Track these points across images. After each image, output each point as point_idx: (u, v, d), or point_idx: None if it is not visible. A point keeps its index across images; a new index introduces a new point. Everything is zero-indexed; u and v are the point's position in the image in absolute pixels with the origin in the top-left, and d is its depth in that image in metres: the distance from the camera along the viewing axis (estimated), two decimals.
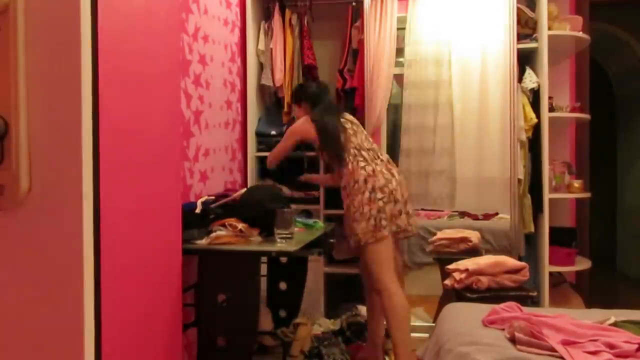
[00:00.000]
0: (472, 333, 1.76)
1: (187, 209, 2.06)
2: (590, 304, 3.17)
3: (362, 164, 2.47)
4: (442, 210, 3.40)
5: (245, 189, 2.46)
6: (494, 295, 2.39)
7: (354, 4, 3.33)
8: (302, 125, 2.67)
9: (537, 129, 3.10)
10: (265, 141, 3.35)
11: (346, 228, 2.50)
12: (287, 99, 3.34)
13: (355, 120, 2.70)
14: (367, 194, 2.40)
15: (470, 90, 3.33)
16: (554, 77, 3.31)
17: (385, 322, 2.47)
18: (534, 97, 3.12)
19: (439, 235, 3.16)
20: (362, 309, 3.01)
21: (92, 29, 0.92)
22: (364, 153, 2.52)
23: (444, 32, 3.33)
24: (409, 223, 2.46)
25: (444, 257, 2.96)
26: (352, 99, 3.33)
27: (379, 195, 2.41)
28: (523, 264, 2.55)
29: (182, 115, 2.39)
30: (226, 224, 2.17)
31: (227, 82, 3.03)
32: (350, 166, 2.49)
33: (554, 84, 3.30)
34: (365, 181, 2.42)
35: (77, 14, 0.90)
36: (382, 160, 2.52)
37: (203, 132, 2.64)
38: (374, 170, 2.45)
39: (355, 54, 3.33)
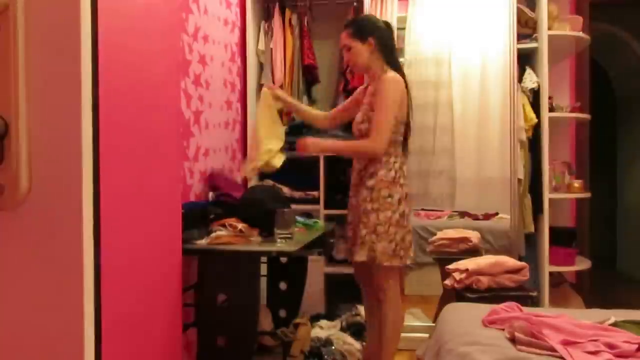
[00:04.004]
0: (472, 333, 1.76)
1: (187, 209, 2.06)
2: (590, 304, 3.17)
3: (402, 181, 2.27)
4: (442, 210, 3.40)
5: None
6: (494, 295, 2.39)
7: (355, 4, 3.33)
8: (401, 89, 2.23)
9: (537, 129, 3.10)
10: None
11: (356, 231, 2.30)
12: None
13: None
14: (397, 216, 2.23)
15: (470, 90, 3.33)
16: (554, 77, 3.32)
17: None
18: (534, 97, 3.12)
19: (439, 235, 3.16)
20: (362, 309, 3.01)
21: (92, 29, 0.92)
22: (404, 168, 2.32)
23: (444, 32, 3.33)
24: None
25: (444, 257, 2.96)
26: None
27: (405, 222, 2.26)
28: (523, 264, 2.55)
29: (182, 115, 2.39)
30: (226, 224, 2.17)
31: (227, 82, 3.03)
32: (392, 173, 2.25)
33: (554, 84, 3.30)
34: (399, 202, 2.24)
35: (77, 14, 0.90)
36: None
37: (203, 132, 2.64)
38: (407, 195, 2.28)
39: None
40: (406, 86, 2.31)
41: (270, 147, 2.39)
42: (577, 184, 3.20)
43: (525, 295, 2.43)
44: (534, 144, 3.12)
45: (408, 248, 2.28)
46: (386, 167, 2.26)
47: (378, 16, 3.22)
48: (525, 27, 3.17)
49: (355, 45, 2.32)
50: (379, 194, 2.23)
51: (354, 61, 2.36)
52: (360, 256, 2.25)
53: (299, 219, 2.57)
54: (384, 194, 2.23)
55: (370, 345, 2.64)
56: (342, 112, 2.56)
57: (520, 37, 3.13)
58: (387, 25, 2.42)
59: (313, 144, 2.32)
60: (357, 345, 2.77)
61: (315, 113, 2.65)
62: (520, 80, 3.15)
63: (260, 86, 3.40)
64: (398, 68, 2.34)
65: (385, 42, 2.33)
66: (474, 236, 3.10)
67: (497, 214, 3.33)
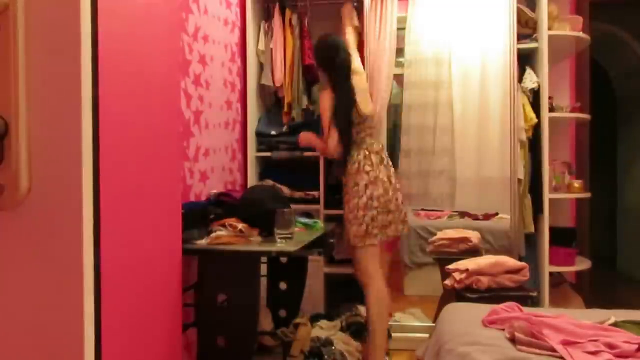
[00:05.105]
0: (472, 333, 1.77)
1: (187, 209, 2.06)
2: (590, 304, 3.17)
3: (367, 168, 2.54)
4: (442, 210, 3.40)
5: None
6: (494, 295, 2.39)
7: (355, 4, 3.33)
8: (328, 102, 2.61)
9: (537, 129, 3.10)
10: (265, 141, 3.35)
11: (344, 224, 2.63)
12: (287, 99, 3.34)
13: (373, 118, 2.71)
14: (364, 199, 2.51)
15: (470, 90, 3.33)
16: (554, 77, 3.31)
17: (367, 313, 2.62)
18: (534, 97, 3.12)
19: (439, 235, 3.16)
20: (362, 309, 3.01)
21: (92, 29, 0.92)
22: (372, 157, 2.58)
23: (444, 32, 3.33)
24: (400, 230, 2.62)
25: (444, 257, 2.96)
26: None
27: (375, 203, 2.52)
28: (523, 264, 2.55)
29: (182, 115, 2.39)
30: (226, 224, 2.17)
31: (227, 82, 3.03)
32: (356, 165, 2.55)
33: (554, 84, 3.30)
34: (366, 187, 2.52)
35: (77, 14, 0.90)
36: (385, 166, 2.59)
37: (203, 132, 2.64)
38: (376, 178, 2.54)
39: None
40: (352, 94, 2.62)
41: None
42: (577, 184, 3.20)
43: (525, 295, 2.43)
44: (534, 144, 3.12)
45: (384, 226, 2.55)
46: (350, 162, 2.59)
47: (378, 16, 3.22)
48: (525, 27, 3.17)
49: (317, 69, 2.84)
50: (348, 187, 2.59)
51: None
52: (345, 241, 2.62)
53: (299, 219, 2.57)
54: (351, 184, 2.57)
55: (370, 345, 2.64)
56: None
57: (520, 37, 3.13)
58: (336, 44, 2.71)
59: (302, 136, 2.79)
60: (357, 345, 2.77)
61: None
62: (520, 80, 3.15)
63: (260, 86, 3.41)
64: (341, 80, 2.63)
65: (325, 63, 2.70)
66: (474, 236, 3.10)
67: (497, 214, 3.33)
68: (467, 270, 2.50)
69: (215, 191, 2.60)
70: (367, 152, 2.58)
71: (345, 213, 2.59)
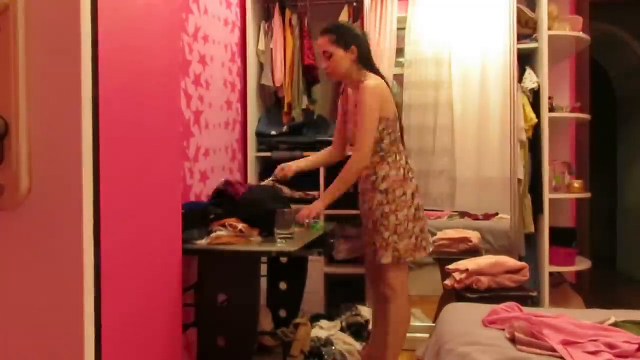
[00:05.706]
0: (472, 333, 1.77)
1: (187, 209, 2.05)
2: (590, 304, 3.17)
3: (410, 174, 2.33)
4: (442, 210, 3.40)
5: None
6: (494, 295, 2.39)
7: (354, 4, 3.33)
8: (379, 93, 2.23)
9: (537, 129, 3.10)
10: (265, 141, 3.35)
11: (375, 236, 2.31)
12: (287, 99, 3.34)
13: None
14: (412, 210, 2.29)
15: (470, 90, 3.33)
16: (554, 77, 3.31)
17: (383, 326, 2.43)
18: (534, 97, 3.12)
19: (439, 235, 3.16)
20: (362, 309, 3.01)
21: (92, 29, 0.92)
22: (410, 162, 2.38)
23: (444, 32, 3.33)
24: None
25: (444, 257, 2.95)
26: None
27: (421, 214, 2.32)
28: (523, 264, 2.55)
29: (182, 115, 2.39)
30: (226, 224, 2.17)
31: (227, 82, 3.03)
32: (402, 171, 2.30)
33: (554, 84, 3.30)
34: (413, 196, 2.31)
35: (77, 14, 0.90)
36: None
37: (203, 132, 2.64)
38: (417, 187, 2.35)
39: None
40: (388, 85, 2.34)
41: None
42: (577, 184, 3.20)
43: (525, 295, 2.44)
44: (534, 144, 3.12)
45: (428, 237, 2.38)
46: (395, 167, 2.31)
47: (378, 16, 3.23)
48: (525, 27, 3.17)
49: (337, 52, 2.28)
50: (394, 195, 2.28)
51: (334, 68, 2.32)
52: (386, 258, 2.28)
53: None
54: (399, 194, 2.28)
55: (373, 345, 2.64)
56: (340, 134, 2.55)
57: (520, 37, 3.13)
58: (363, 33, 2.46)
59: (314, 207, 2.30)
60: (357, 345, 2.77)
61: (324, 155, 2.63)
62: (520, 80, 3.14)
63: (260, 86, 3.41)
64: (375, 70, 2.34)
65: (364, 50, 2.31)
66: (474, 236, 3.09)
67: (497, 214, 3.33)
68: (467, 270, 2.50)
69: (223, 179, 2.54)
70: (406, 157, 2.38)
71: (390, 224, 2.26)
